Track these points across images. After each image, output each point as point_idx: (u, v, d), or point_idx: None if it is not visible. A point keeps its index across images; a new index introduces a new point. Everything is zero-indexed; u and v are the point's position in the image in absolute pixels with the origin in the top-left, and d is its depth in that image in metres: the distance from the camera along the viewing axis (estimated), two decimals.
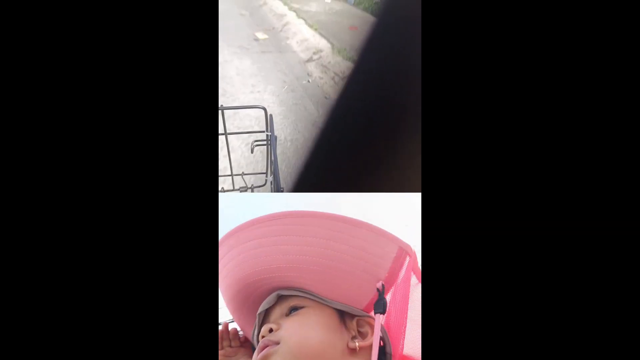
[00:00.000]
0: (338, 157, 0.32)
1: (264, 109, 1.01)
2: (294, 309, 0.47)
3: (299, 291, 0.47)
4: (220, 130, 1.01)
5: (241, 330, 0.54)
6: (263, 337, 0.45)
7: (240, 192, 1.08)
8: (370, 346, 0.43)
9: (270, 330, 0.45)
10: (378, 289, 0.44)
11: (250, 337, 0.52)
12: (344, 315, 0.46)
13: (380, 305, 0.44)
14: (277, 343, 0.43)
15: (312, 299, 0.47)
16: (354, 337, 0.45)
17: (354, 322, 0.46)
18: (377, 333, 0.43)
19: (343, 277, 0.45)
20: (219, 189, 1.05)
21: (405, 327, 0.44)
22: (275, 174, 1.03)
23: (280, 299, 0.48)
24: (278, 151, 0.97)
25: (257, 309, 0.49)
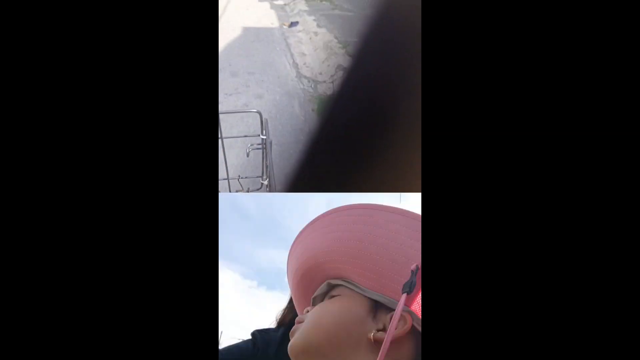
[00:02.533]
0: (338, 157, 0.32)
1: (259, 113, 1.01)
2: (331, 297, 0.47)
3: (343, 280, 0.47)
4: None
5: None
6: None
7: None
8: (395, 339, 0.40)
9: (307, 311, 0.47)
10: (412, 270, 0.41)
11: None
12: (377, 307, 0.44)
13: (407, 285, 0.41)
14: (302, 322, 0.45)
15: (350, 288, 0.46)
16: (379, 330, 0.42)
17: (388, 316, 0.43)
18: (397, 316, 0.40)
19: (379, 263, 0.44)
20: None
21: None
22: (270, 177, 1.03)
23: (331, 288, 0.48)
24: (277, 152, 0.97)
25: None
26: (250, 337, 0.59)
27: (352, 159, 0.32)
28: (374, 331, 0.42)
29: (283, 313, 0.62)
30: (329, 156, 0.32)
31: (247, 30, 4.46)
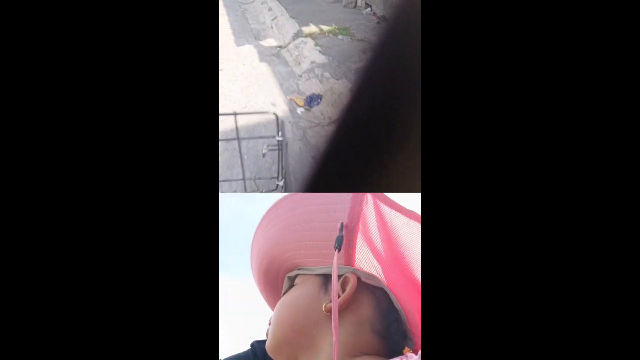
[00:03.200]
0: (339, 157, 0.32)
1: (276, 114, 1.02)
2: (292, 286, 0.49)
3: (297, 269, 0.48)
4: (234, 135, 1.02)
5: None
6: None
7: None
8: (346, 303, 0.42)
9: None
10: (339, 229, 0.44)
11: None
12: (327, 279, 0.45)
13: (336, 241, 0.43)
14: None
15: (303, 274, 0.47)
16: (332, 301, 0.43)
17: (339, 284, 0.44)
18: (335, 268, 0.41)
19: (313, 238, 0.46)
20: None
21: (403, 257, 0.42)
22: (285, 178, 1.04)
23: (292, 281, 0.49)
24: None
25: None
26: (250, 347, 0.61)
27: (352, 159, 0.32)
28: (324, 303, 0.43)
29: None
30: (330, 157, 0.33)
31: (228, 151, 1.86)
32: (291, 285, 0.49)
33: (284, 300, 0.47)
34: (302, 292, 0.46)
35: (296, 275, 0.49)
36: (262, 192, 1.08)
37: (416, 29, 0.29)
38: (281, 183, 1.06)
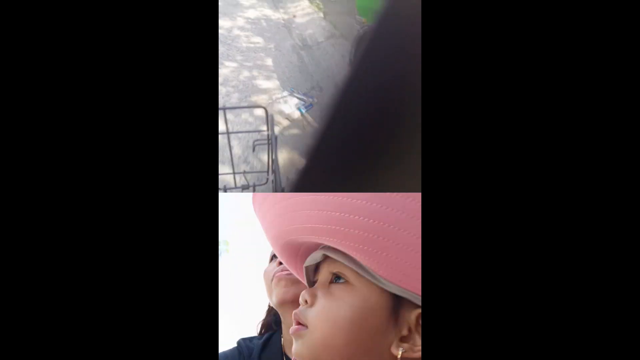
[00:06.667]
0: (338, 157, 0.32)
1: (265, 108, 1.01)
2: (338, 278, 0.36)
3: (345, 258, 0.35)
4: (222, 129, 1.01)
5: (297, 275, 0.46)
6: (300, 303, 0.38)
7: (242, 190, 1.09)
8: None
9: (306, 302, 0.37)
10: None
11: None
12: (400, 305, 0.34)
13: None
14: (306, 326, 0.36)
15: (359, 273, 0.34)
16: (403, 338, 0.33)
17: (413, 315, 0.34)
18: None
19: (388, 248, 0.33)
20: (222, 187, 1.05)
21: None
22: (276, 172, 1.03)
23: (328, 258, 0.38)
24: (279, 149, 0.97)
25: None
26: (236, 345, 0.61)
27: (352, 159, 0.32)
28: (395, 340, 0.34)
29: (263, 322, 0.64)
30: (330, 156, 0.32)
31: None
32: (323, 264, 0.37)
33: (339, 312, 0.34)
34: (366, 312, 0.33)
35: (336, 261, 0.36)
36: (252, 186, 1.08)
37: (416, 26, 0.28)
38: (271, 177, 1.05)
